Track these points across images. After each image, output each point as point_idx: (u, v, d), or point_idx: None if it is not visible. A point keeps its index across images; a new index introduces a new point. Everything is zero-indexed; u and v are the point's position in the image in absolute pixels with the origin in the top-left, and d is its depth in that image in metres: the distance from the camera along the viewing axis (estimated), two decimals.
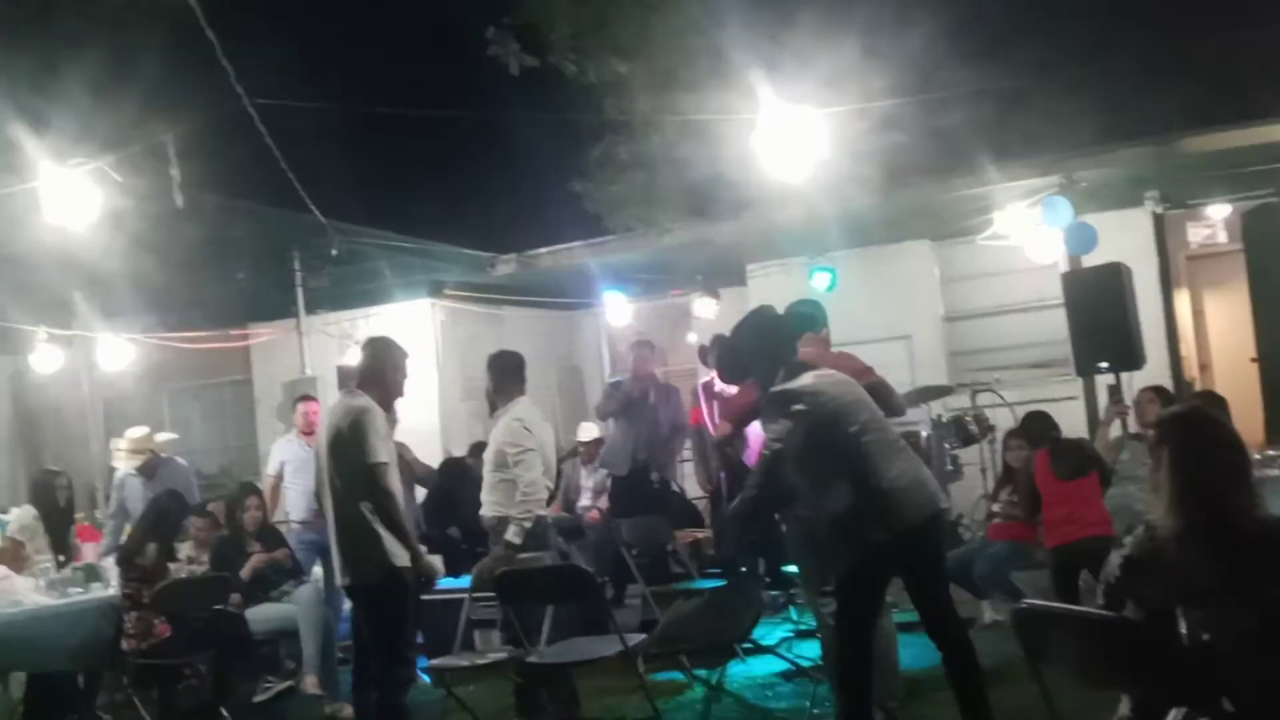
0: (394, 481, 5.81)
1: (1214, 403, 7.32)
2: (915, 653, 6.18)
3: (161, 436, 9.92)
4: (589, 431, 10.77)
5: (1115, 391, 8.74)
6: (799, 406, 5.14)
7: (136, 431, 9.55)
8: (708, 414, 9.15)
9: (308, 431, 9.13)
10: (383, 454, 5.68)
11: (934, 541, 5.26)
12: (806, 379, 5.26)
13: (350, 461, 5.68)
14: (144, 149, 7.54)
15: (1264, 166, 9.97)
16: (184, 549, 8.22)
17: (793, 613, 8.37)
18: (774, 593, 8.70)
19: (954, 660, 5.13)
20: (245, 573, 7.95)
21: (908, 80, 8.30)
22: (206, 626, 7.38)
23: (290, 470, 9.23)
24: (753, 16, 8.53)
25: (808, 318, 6.21)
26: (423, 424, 12.20)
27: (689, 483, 10.96)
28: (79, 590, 7.69)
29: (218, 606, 7.37)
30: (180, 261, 9.62)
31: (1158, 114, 9.72)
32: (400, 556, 5.64)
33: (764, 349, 5.42)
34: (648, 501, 9.54)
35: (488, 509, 6.76)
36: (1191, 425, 3.73)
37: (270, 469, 9.57)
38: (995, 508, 8.34)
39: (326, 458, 5.85)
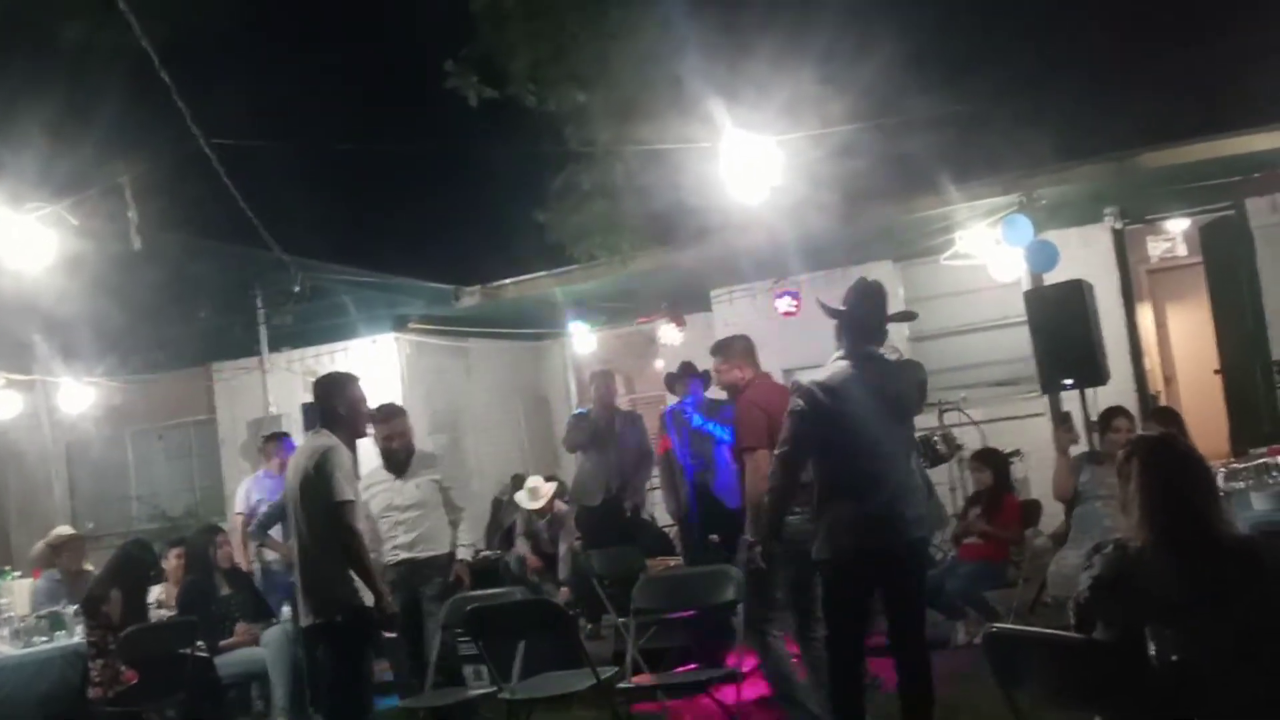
0: (360, 520, 5.77)
1: (1168, 418, 7.40)
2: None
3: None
4: (539, 495, 10.37)
5: (1066, 418, 8.79)
6: (798, 404, 5.34)
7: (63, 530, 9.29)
8: (676, 442, 9.12)
9: (280, 470, 9.13)
10: (348, 492, 5.63)
11: (904, 570, 5.37)
12: (834, 368, 5.42)
13: (316, 500, 5.63)
14: (101, 191, 7.47)
15: (1221, 180, 10.06)
16: (155, 591, 8.13)
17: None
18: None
19: (910, 685, 5.29)
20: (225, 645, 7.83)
21: (868, 106, 8.34)
22: (174, 671, 7.27)
23: (267, 508, 9.16)
24: (712, 45, 8.56)
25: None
26: None
27: (658, 510, 10.92)
28: (44, 639, 7.58)
29: (185, 651, 7.26)
30: (141, 302, 9.53)
31: (1115, 131, 9.80)
32: (365, 595, 5.59)
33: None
34: (621, 531, 9.52)
35: (432, 545, 6.73)
36: (1160, 444, 3.77)
37: (239, 506, 9.44)
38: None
39: (294, 497, 5.80)
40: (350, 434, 5.92)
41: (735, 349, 6.62)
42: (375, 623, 5.68)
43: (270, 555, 9.04)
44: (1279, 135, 9.21)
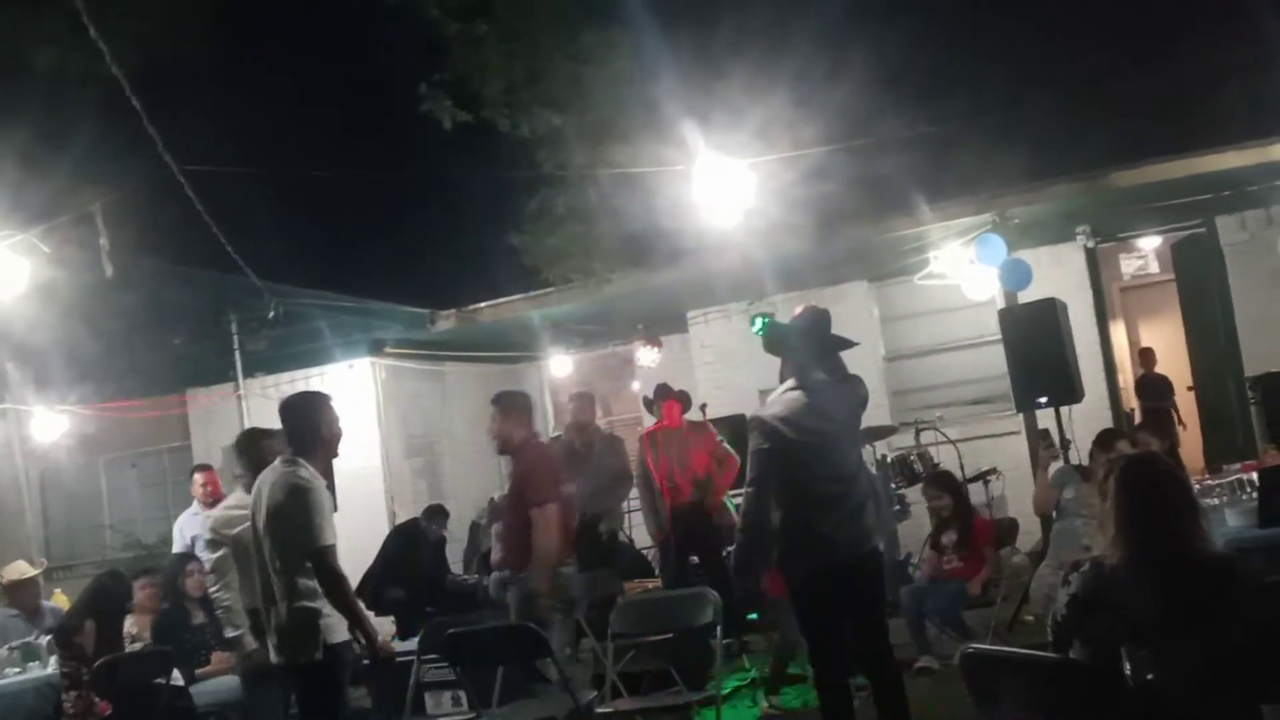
0: (339, 562, 5.38)
1: (1161, 419, 7.42)
2: None
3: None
4: None
5: (1045, 435, 8.80)
6: (764, 445, 5.44)
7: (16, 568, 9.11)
8: (652, 463, 9.10)
9: (210, 503, 8.97)
10: (329, 536, 5.30)
11: (864, 581, 5.49)
12: (787, 399, 5.51)
13: (292, 542, 5.33)
14: (73, 218, 7.44)
15: (1191, 198, 10.14)
16: (126, 623, 8.05)
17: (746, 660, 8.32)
18: (726, 640, 8.62)
19: (883, 691, 5.42)
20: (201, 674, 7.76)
21: (840, 128, 8.39)
22: (149, 702, 7.19)
23: (201, 545, 8.97)
24: (685, 69, 8.59)
25: None
26: (366, 482, 12.08)
27: (638, 532, 10.89)
28: (16, 670, 7.49)
29: (160, 680, 7.19)
30: (114, 329, 9.49)
31: (1086, 150, 9.87)
32: (338, 633, 5.31)
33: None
34: (597, 554, 9.47)
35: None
36: (1139, 463, 3.78)
37: (176, 546, 9.18)
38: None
39: (263, 531, 5.47)
40: (328, 459, 5.66)
41: (519, 405, 6.94)
42: (348, 661, 5.43)
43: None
44: (1248, 154, 9.30)
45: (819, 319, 5.74)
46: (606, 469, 9.71)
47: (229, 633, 6.45)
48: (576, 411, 9.90)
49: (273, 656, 5.50)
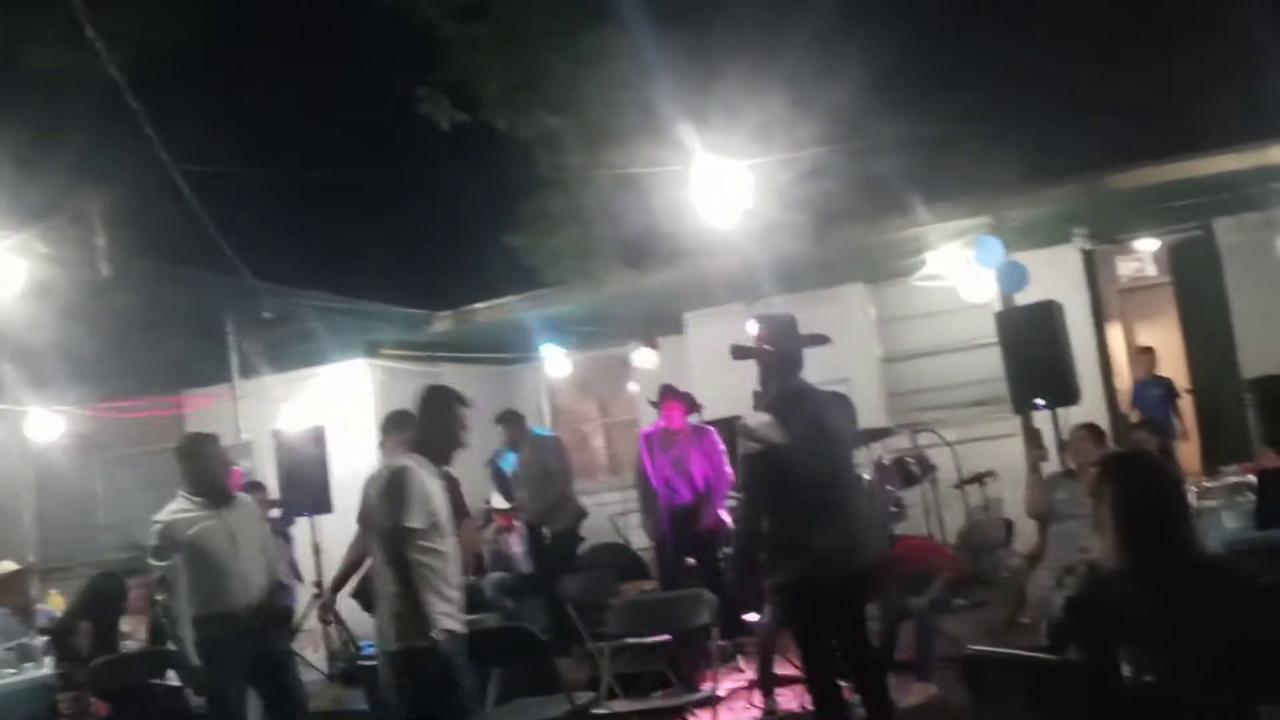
0: (429, 548, 5.23)
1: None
2: None
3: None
4: (497, 502, 10.88)
5: (1036, 436, 8.81)
6: (754, 447, 5.40)
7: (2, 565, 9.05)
8: (649, 464, 9.08)
9: None
10: (412, 519, 5.16)
11: (854, 594, 5.51)
12: (778, 405, 5.48)
13: (380, 524, 5.31)
14: (70, 219, 7.43)
15: (1188, 200, 10.13)
16: (121, 624, 8.05)
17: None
18: (722, 642, 8.61)
19: (864, 683, 5.47)
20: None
21: (837, 129, 8.38)
22: (145, 702, 7.18)
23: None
24: (682, 70, 8.59)
25: None
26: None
27: (635, 533, 10.89)
28: (11, 671, 7.48)
29: (155, 681, 7.17)
30: (111, 330, 9.47)
31: (1083, 152, 9.86)
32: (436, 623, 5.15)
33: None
34: (554, 556, 9.63)
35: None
36: (1134, 463, 3.78)
37: None
38: None
39: (368, 522, 5.52)
40: (447, 453, 5.64)
41: None
42: (445, 653, 5.18)
43: None
44: (1245, 156, 9.29)
45: (786, 323, 5.71)
46: (533, 475, 9.86)
47: (171, 646, 6.09)
48: (503, 433, 10.10)
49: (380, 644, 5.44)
